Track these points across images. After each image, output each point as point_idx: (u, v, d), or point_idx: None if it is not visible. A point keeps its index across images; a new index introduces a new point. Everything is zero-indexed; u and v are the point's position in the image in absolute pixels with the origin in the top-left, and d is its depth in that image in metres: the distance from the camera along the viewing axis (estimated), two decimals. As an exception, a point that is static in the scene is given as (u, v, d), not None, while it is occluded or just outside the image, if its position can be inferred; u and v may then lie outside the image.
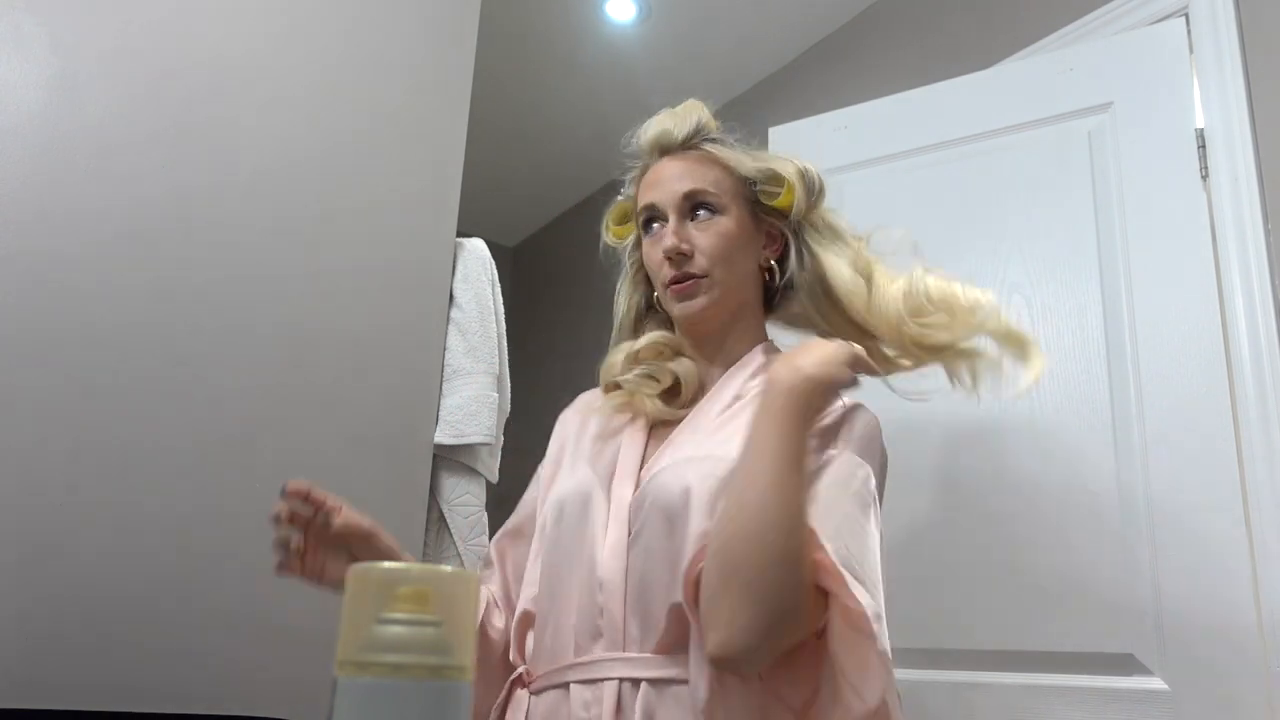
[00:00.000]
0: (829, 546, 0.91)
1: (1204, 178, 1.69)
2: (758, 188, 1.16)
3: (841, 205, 2.07)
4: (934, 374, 1.18)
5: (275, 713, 1.45)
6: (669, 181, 1.14)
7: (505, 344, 1.91)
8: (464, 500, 1.78)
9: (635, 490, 1.06)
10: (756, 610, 0.88)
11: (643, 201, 1.16)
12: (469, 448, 1.79)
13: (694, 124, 1.18)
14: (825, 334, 1.15)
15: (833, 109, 2.14)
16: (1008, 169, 1.87)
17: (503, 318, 1.90)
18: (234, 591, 1.49)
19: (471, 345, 1.83)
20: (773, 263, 1.18)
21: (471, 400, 1.79)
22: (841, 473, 1.00)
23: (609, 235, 1.28)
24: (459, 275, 1.87)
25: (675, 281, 1.11)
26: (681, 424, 1.11)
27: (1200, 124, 1.72)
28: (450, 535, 1.77)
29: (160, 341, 1.51)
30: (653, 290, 1.21)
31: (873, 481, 1.02)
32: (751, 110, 2.91)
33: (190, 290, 1.55)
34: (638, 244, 1.22)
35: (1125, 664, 1.54)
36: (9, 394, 1.38)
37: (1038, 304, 1.76)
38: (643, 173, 1.20)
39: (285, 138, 1.69)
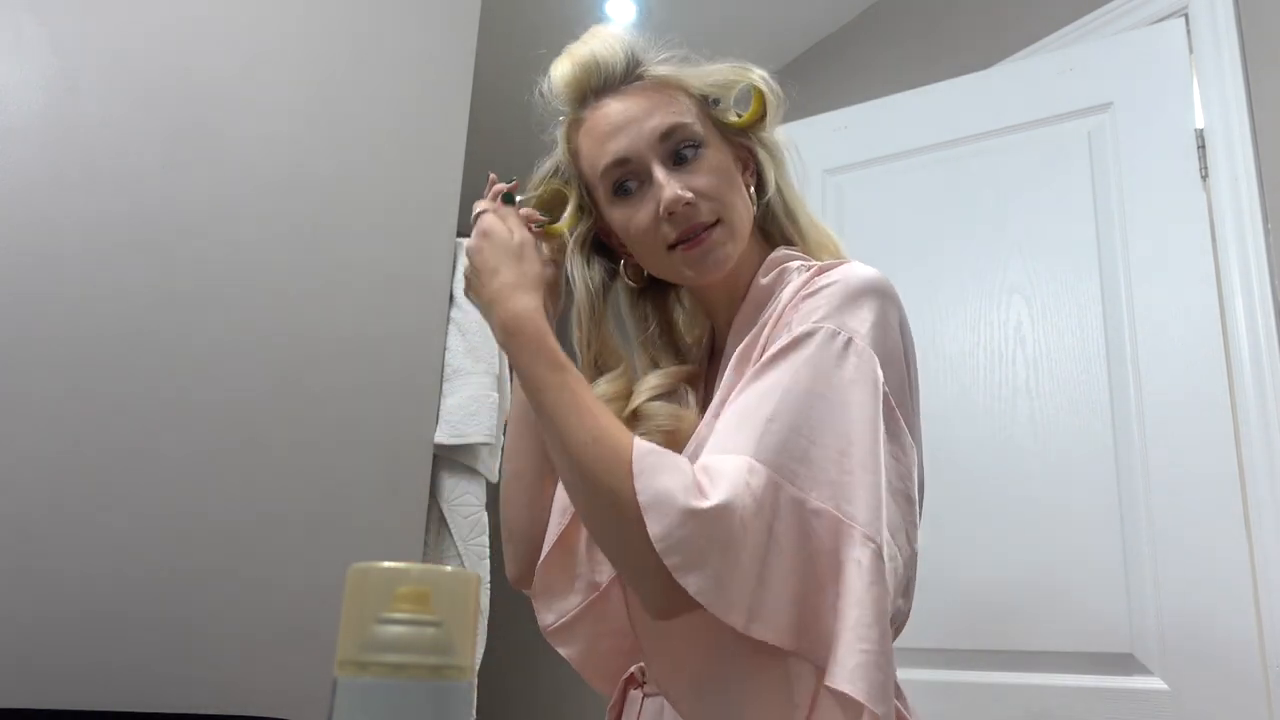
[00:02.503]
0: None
1: (1204, 178, 1.69)
2: (719, 105, 0.97)
3: (841, 205, 2.09)
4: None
5: (275, 713, 1.45)
6: (634, 124, 0.92)
7: (505, 344, 1.91)
8: (464, 500, 1.78)
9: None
10: (617, 552, 0.80)
11: (609, 159, 0.93)
12: (469, 448, 1.79)
13: (625, 48, 0.96)
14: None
15: (833, 109, 2.14)
16: (1008, 169, 1.87)
17: (503, 318, 1.90)
18: (234, 591, 1.49)
19: (471, 345, 1.83)
20: (753, 189, 0.99)
21: (471, 400, 1.79)
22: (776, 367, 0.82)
23: (547, 236, 1.00)
24: (459, 275, 1.87)
25: (683, 239, 0.92)
26: (723, 385, 0.95)
27: (1200, 124, 1.72)
28: (450, 535, 1.77)
29: (160, 342, 1.51)
30: (614, 262, 1.02)
31: (844, 343, 0.83)
32: (751, 110, 2.91)
33: (190, 291, 1.55)
34: (582, 214, 1.00)
35: (1125, 664, 1.54)
36: (9, 394, 1.38)
37: (1038, 304, 1.76)
38: (573, 128, 0.97)
39: (285, 138, 1.69)
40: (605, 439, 0.79)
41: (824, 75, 2.70)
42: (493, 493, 1.90)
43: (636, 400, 0.97)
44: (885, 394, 0.84)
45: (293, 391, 1.62)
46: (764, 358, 0.84)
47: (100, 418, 1.44)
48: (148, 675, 1.40)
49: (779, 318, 0.89)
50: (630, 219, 0.94)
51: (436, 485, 1.77)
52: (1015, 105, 1.90)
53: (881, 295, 0.87)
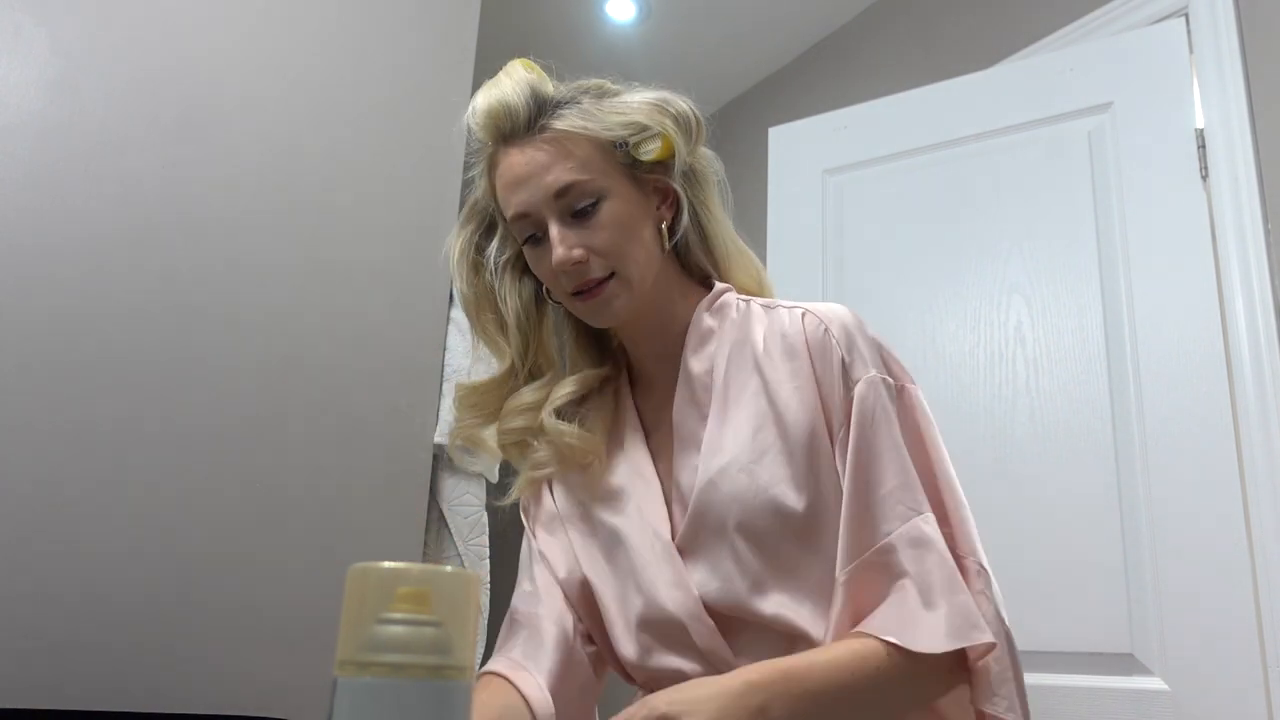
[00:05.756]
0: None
1: (1204, 178, 1.69)
2: (627, 147, 0.98)
3: (841, 205, 2.09)
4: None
5: (275, 713, 1.45)
6: (534, 179, 0.96)
7: (505, 344, 1.91)
8: (464, 500, 1.78)
9: (679, 511, 0.97)
10: None
11: (512, 211, 0.98)
12: (469, 447, 1.79)
13: (530, 97, 0.97)
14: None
15: (833, 109, 2.14)
16: (1008, 169, 1.87)
17: (503, 318, 1.90)
18: (234, 591, 1.49)
19: (472, 345, 1.83)
20: (670, 223, 1.01)
21: (471, 400, 1.79)
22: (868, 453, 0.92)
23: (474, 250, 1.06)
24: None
25: (578, 292, 0.97)
26: (676, 424, 1.00)
27: (1200, 124, 1.72)
28: (450, 535, 1.76)
29: (159, 342, 1.51)
30: (539, 280, 1.05)
31: (887, 400, 0.93)
32: (751, 110, 2.91)
33: (189, 291, 1.55)
34: (505, 240, 1.05)
35: (1125, 664, 1.54)
36: (8, 393, 1.38)
37: (1038, 304, 1.76)
38: (491, 165, 1.01)
39: (285, 137, 1.69)
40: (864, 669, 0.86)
41: (824, 75, 2.70)
42: (492, 493, 1.90)
43: (545, 410, 1.03)
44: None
45: (292, 392, 1.61)
46: (849, 433, 0.93)
47: (98, 418, 1.44)
48: (148, 675, 1.40)
49: (751, 368, 0.97)
50: (537, 265, 1.00)
51: (436, 485, 1.77)
52: (1015, 105, 1.90)
53: (865, 324, 0.97)
